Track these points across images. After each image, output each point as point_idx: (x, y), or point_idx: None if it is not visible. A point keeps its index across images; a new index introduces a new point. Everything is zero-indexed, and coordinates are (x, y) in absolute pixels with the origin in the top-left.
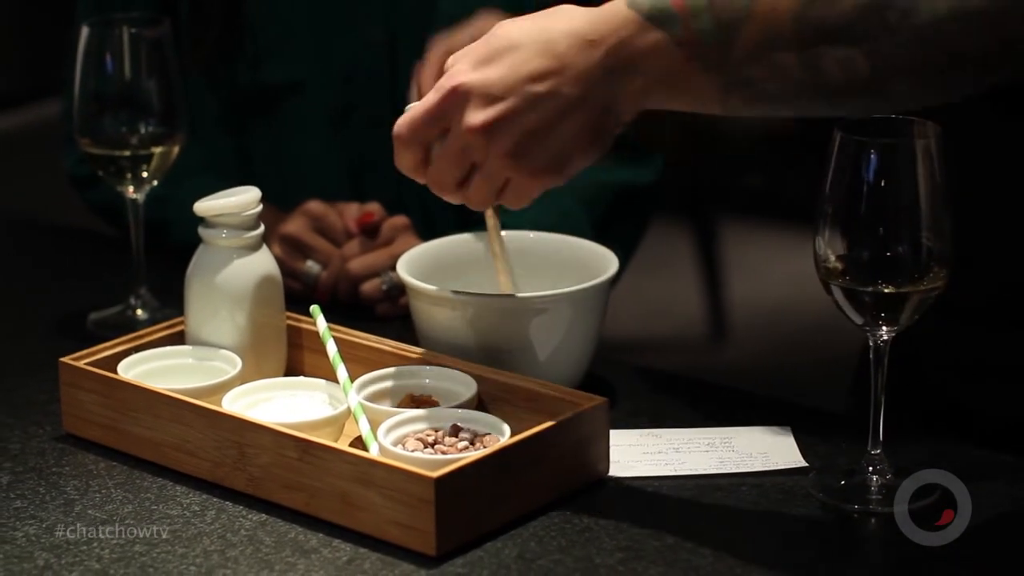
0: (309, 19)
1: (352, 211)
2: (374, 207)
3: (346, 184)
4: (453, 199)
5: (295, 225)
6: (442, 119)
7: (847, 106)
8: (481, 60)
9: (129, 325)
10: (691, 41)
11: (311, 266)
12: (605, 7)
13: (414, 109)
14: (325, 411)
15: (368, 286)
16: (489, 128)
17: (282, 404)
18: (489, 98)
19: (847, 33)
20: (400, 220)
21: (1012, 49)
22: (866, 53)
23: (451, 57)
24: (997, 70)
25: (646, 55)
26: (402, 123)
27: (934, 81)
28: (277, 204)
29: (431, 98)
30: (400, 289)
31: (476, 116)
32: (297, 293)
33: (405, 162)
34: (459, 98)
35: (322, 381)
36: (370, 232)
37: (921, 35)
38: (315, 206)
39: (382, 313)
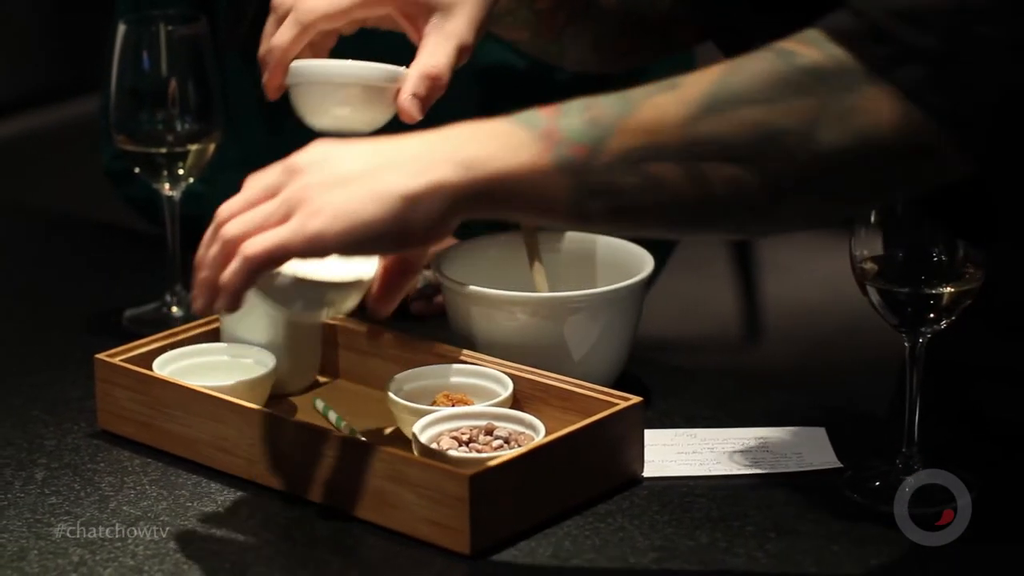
0: None
1: None
2: None
3: None
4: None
5: None
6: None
7: (725, 224)
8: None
9: (164, 322)
10: (553, 135)
11: None
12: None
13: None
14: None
15: None
16: (302, 191)
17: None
18: (311, 164)
19: (741, 152)
20: None
21: (915, 178)
22: (758, 172)
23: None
24: (897, 194)
25: (489, 137)
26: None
27: (826, 209)
28: None
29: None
30: (435, 288)
31: (292, 178)
32: None
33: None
34: (281, 170)
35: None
36: None
37: (820, 163)
38: None
39: (416, 312)
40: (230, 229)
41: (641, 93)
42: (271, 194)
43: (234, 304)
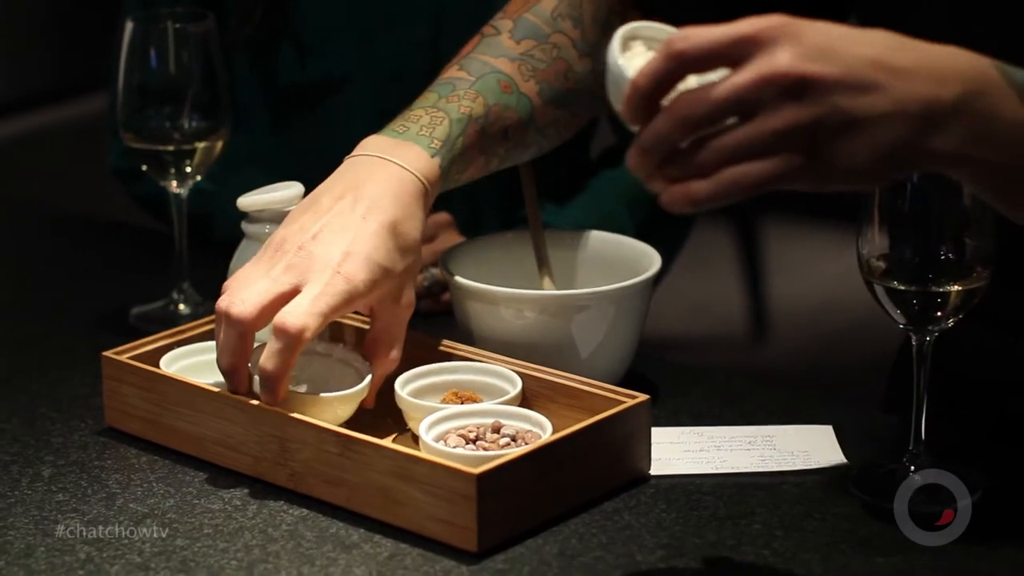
0: (354, 16)
1: None
2: None
3: None
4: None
5: None
6: (752, 105)
7: None
8: (810, 54)
9: (171, 319)
10: None
11: None
12: (956, 50)
13: (717, 86)
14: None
15: None
16: (810, 128)
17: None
18: (818, 93)
19: None
20: (443, 217)
21: None
22: None
23: (761, 32)
24: None
25: (1000, 121)
26: (701, 96)
27: None
28: None
29: (744, 79)
30: (442, 285)
31: (801, 112)
32: None
33: (668, 141)
34: (780, 88)
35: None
36: None
37: None
38: None
39: (424, 309)
40: (709, 159)
41: None
42: (748, 109)
43: (698, 207)
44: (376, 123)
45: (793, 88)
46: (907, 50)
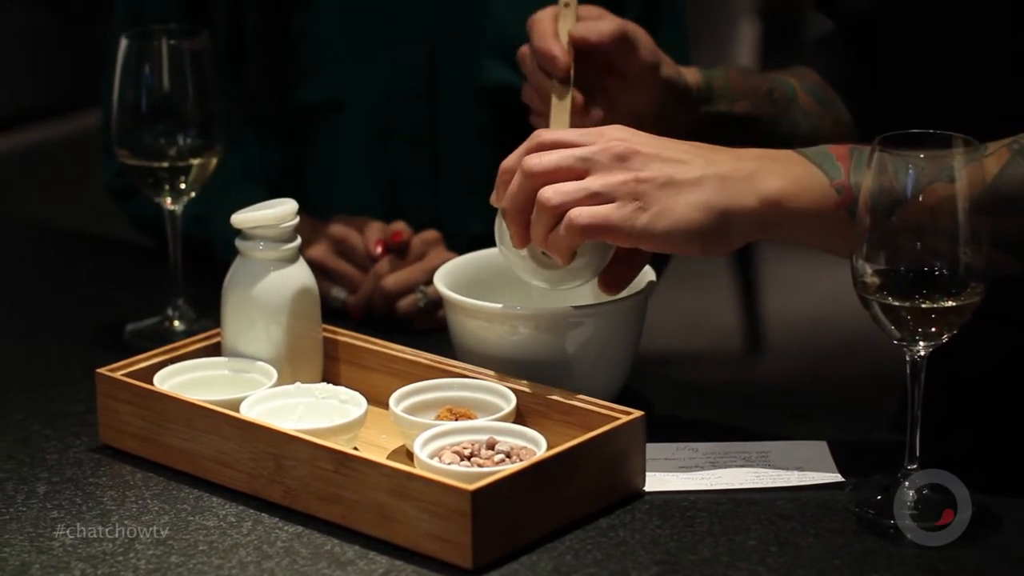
0: (349, 39)
1: (374, 229)
2: (400, 226)
3: (383, 202)
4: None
5: (318, 250)
6: (589, 164)
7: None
8: (638, 138)
9: (166, 336)
10: (846, 191)
11: (337, 293)
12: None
13: (564, 152)
14: (338, 418)
15: (404, 303)
16: (637, 182)
17: (299, 411)
18: (641, 159)
19: (1010, 246)
20: (431, 234)
21: None
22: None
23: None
24: None
25: (793, 177)
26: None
27: None
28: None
29: (588, 148)
30: (436, 303)
31: (628, 172)
32: (334, 306)
33: (526, 193)
34: (612, 154)
35: (339, 388)
36: (399, 251)
37: None
38: (337, 229)
39: (419, 327)
40: (551, 197)
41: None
42: (585, 167)
43: (567, 258)
44: (371, 145)
45: (622, 155)
46: (717, 148)
